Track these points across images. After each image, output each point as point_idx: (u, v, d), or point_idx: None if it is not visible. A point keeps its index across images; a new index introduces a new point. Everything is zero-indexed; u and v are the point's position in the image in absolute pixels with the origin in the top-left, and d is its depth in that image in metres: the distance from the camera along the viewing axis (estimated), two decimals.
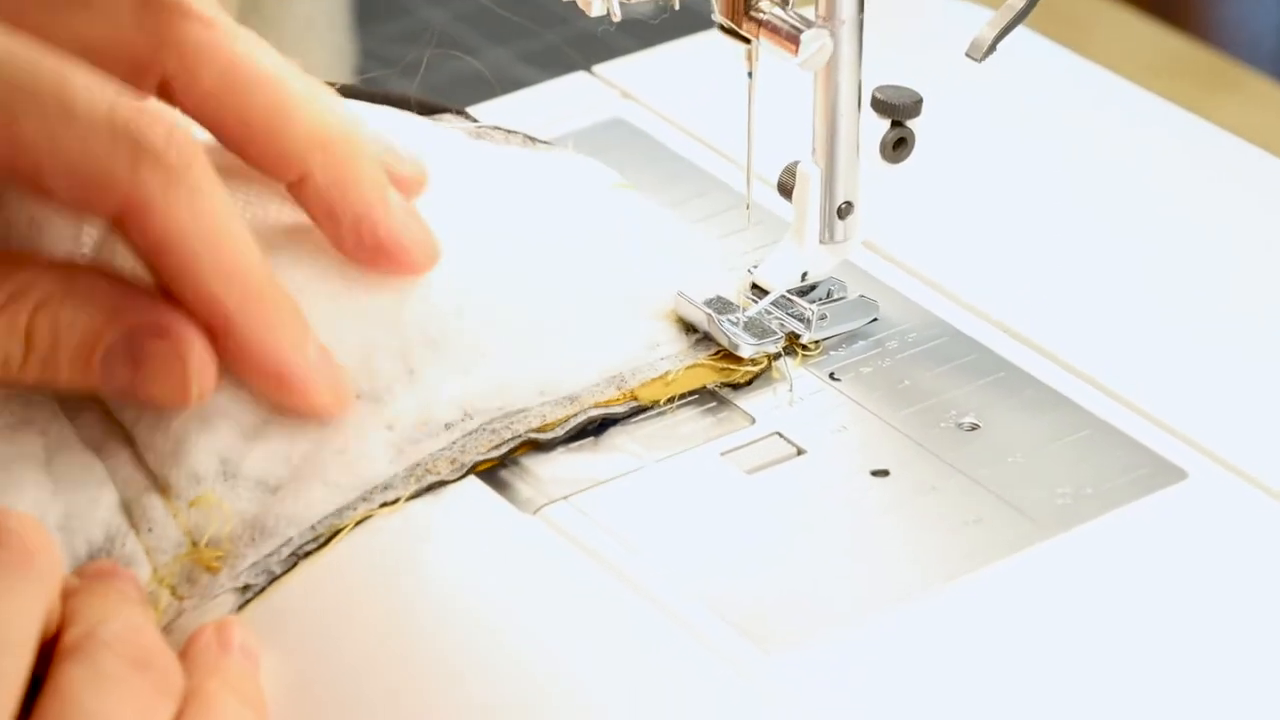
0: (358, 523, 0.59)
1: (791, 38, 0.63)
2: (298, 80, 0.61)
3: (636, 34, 0.97)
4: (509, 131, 0.69)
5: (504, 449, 0.61)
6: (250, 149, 0.60)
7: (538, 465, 0.62)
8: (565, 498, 0.61)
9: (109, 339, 0.59)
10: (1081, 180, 0.73)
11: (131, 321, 0.59)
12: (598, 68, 0.77)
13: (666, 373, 0.64)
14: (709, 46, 0.63)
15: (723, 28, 0.64)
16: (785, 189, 0.66)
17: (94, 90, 0.57)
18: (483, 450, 0.61)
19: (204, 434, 0.60)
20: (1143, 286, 0.69)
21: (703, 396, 0.64)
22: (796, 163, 0.65)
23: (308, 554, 0.59)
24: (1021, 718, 0.55)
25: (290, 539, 0.59)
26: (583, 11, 0.65)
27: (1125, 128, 0.72)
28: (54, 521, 0.55)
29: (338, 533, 0.59)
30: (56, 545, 0.52)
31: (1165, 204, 0.71)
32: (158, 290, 0.59)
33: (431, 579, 0.59)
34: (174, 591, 0.59)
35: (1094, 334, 0.66)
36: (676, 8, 0.64)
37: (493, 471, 0.61)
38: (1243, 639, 0.57)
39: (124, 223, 0.58)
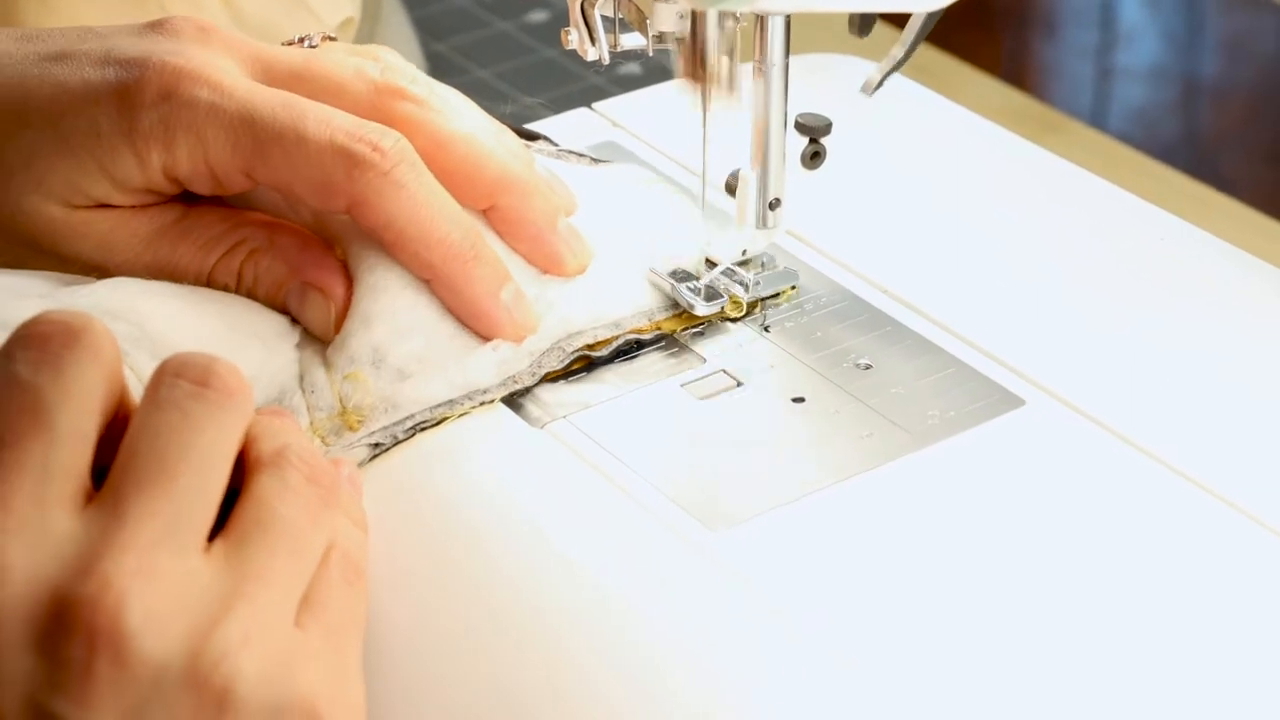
0: (460, 415, 0.60)
1: (731, 83, 0.62)
2: (488, 133, 0.62)
3: (622, 84, 0.98)
4: (579, 154, 0.70)
5: (567, 361, 0.62)
6: (452, 189, 0.61)
7: (545, 393, 0.61)
8: (565, 417, 0.60)
9: (289, 286, 0.61)
10: (948, 186, 0.73)
11: (304, 276, 0.61)
12: (595, 104, 0.77)
13: (682, 312, 0.65)
14: (676, 91, 0.62)
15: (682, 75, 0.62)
16: (730, 188, 0.65)
17: (321, 124, 0.59)
18: (553, 363, 0.61)
19: (364, 331, 0.60)
20: (993, 259, 0.68)
21: (667, 343, 0.64)
22: (738, 169, 0.65)
23: (424, 428, 0.59)
24: (893, 573, 0.55)
25: (413, 415, 0.60)
26: (583, 61, 0.64)
27: (979, 147, 0.71)
28: (250, 373, 0.54)
29: (446, 418, 0.60)
30: (250, 390, 0.51)
31: (1009, 200, 0.71)
32: (328, 250, 0.62)
33: (467, 470, 0.59)
34: (323, 440, 0.60)
35: (955, 296, 0.66)
36: (650, 54, 0.62)
37: (513, 398, 0.61)
38: (1059, 525, 0.57)
39: (352, 213, 0.60)
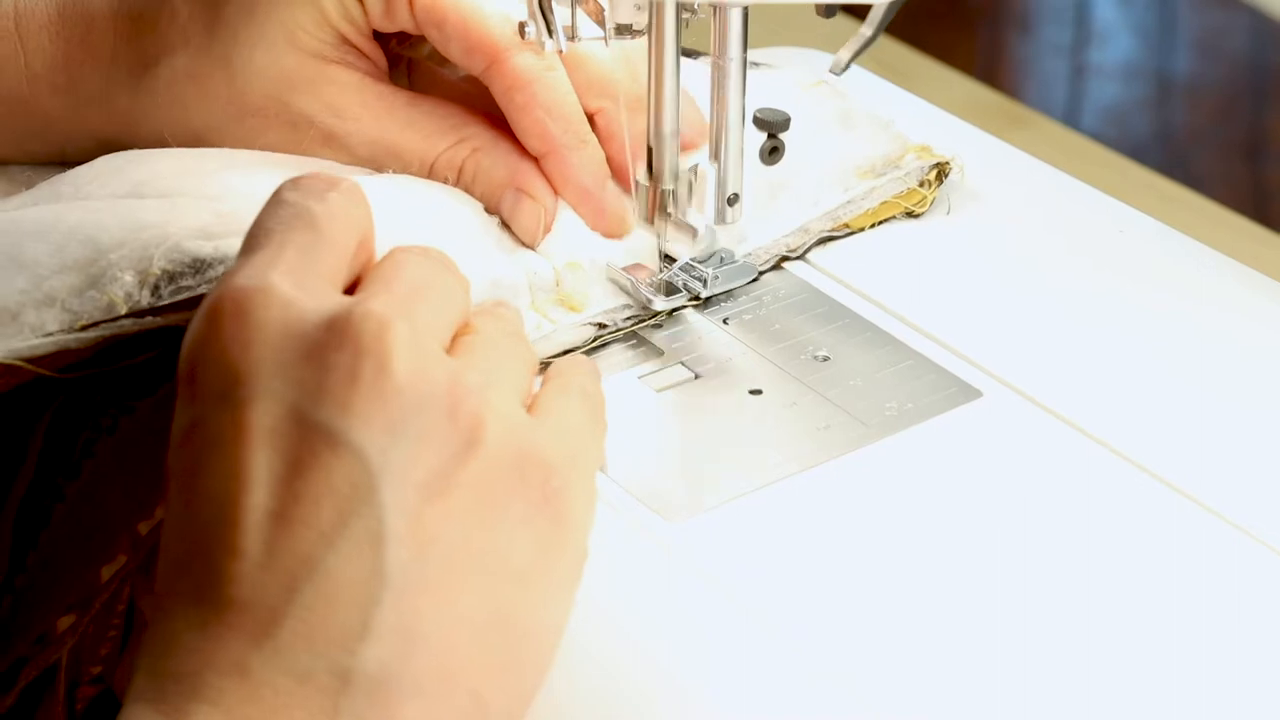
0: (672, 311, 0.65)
1: (690, 231, 0.65)
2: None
3: None
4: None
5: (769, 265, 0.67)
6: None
7: None
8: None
9: (504, 188, 0.64)
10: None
11: (519, 182, 0.64)
12: None
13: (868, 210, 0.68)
14: None
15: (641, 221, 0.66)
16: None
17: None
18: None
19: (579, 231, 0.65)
20: (951, 252, 0.68)
21: (626, 335, 0.64)
22: (697, 164, 0.65)
23: (640, 321, 0.64)
24: (851, 563, 0.55)
25: (630, 306, 0.65)
26: None
27: (939, 141, 0.72)
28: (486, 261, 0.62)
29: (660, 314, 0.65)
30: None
31: (968, 193, 0.71)
32: (538, 162, 0.65)
33: None
34: (545, 315, 0.63)
35: (913, 288, 0.66)
36: (608, 45, 0.62)
37: None
38: (1016, 515, 0.57)
39: (492, 70, 0.63)
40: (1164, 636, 0.53)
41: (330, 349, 0.48)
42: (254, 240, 0.51)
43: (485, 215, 0.65)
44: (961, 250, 0.68)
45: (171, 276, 0.57)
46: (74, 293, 0.57)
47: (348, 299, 0.50)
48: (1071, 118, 1.96)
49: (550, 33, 0.61)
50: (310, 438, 0.47)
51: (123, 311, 0.56)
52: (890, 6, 0.62)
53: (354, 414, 0.47)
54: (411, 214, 0.63)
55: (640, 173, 0.64)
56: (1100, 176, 0.79)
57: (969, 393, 0.61)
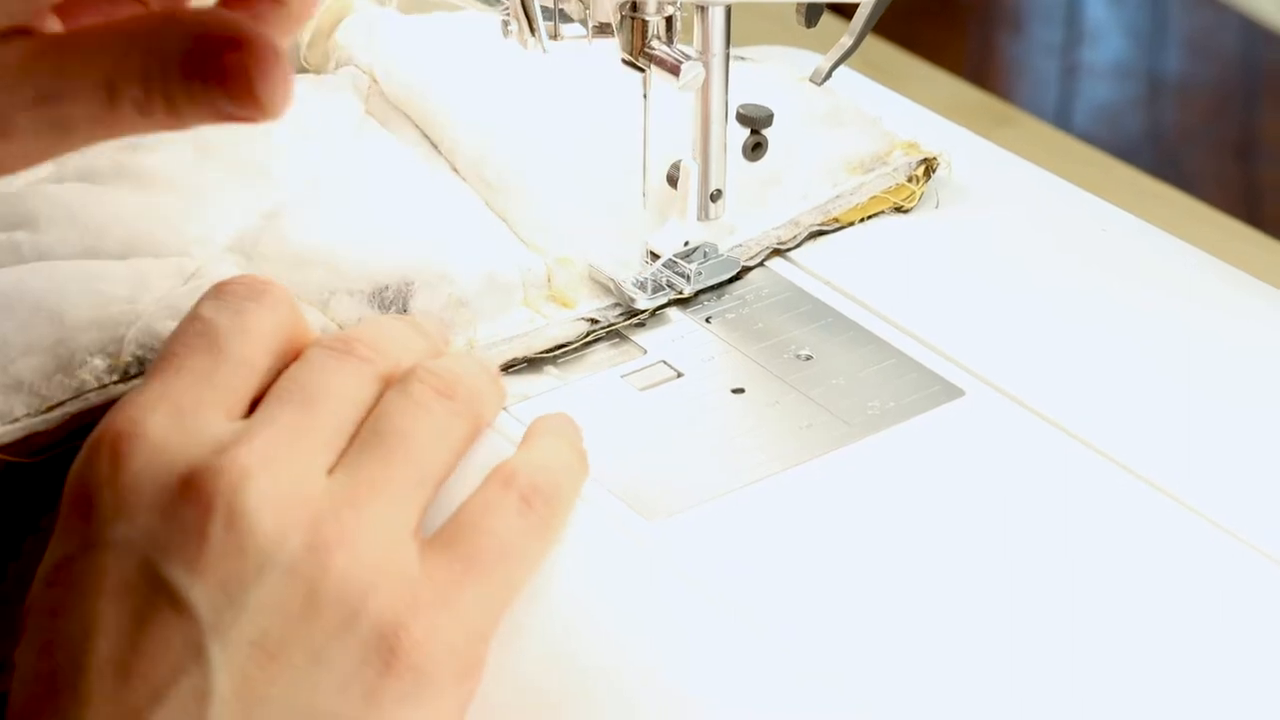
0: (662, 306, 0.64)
1: (674, 68, 0.62)
2: None
3: None
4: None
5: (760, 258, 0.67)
6: None
7: None
8: (504, 408, 0.60)
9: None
10: None
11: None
12: None
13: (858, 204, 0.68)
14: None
15: (624, 61, 0.63)
16: (672, 180, 0.65)
17: None
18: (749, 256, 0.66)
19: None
20: (934, 250, 0.68)
21: (609, 334, 0.63)
22: (680, 161, 0.64)
23: (637, 314, 0.64)
24: (833, 563, 0.55)
25: (620, 304, 0.64)
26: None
27: (923, 140, 0.71)
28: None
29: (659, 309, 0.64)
30: (394, 355, 0.54)
31: (953, 191, 0.71)
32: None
33: None
34: (537, 310, 0.63)
35: (896, 287, 0.66)
36: (590, 44, 0.62)
37: None
38: (998, 514, 0.57)
39: None
40: (1147, 637, 0.53)
41: (184, 503, 0.48)
42: (157, 364, 0.52)
43: (485, 210, 0.64)
44: (944, 249, 0.68)
45: (142, 361, 0.57)
46: (43, 376, 0.56)
47: (224, 437, 0.50)
48: (1062, 117, 1.96)
49: (533, 31, 0.61)
50: (156, 592, 0.48)
51: (92, 391, 0.56)
52: (872, 14, 0.62)
53: (196, 572, 0.48)
54: (408, 210, 0.63)
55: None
56: (1086, 175, 0.78)
57: (952, 391, 0.61)
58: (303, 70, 0.73)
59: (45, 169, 0.63)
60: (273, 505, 0.49)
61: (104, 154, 0.64)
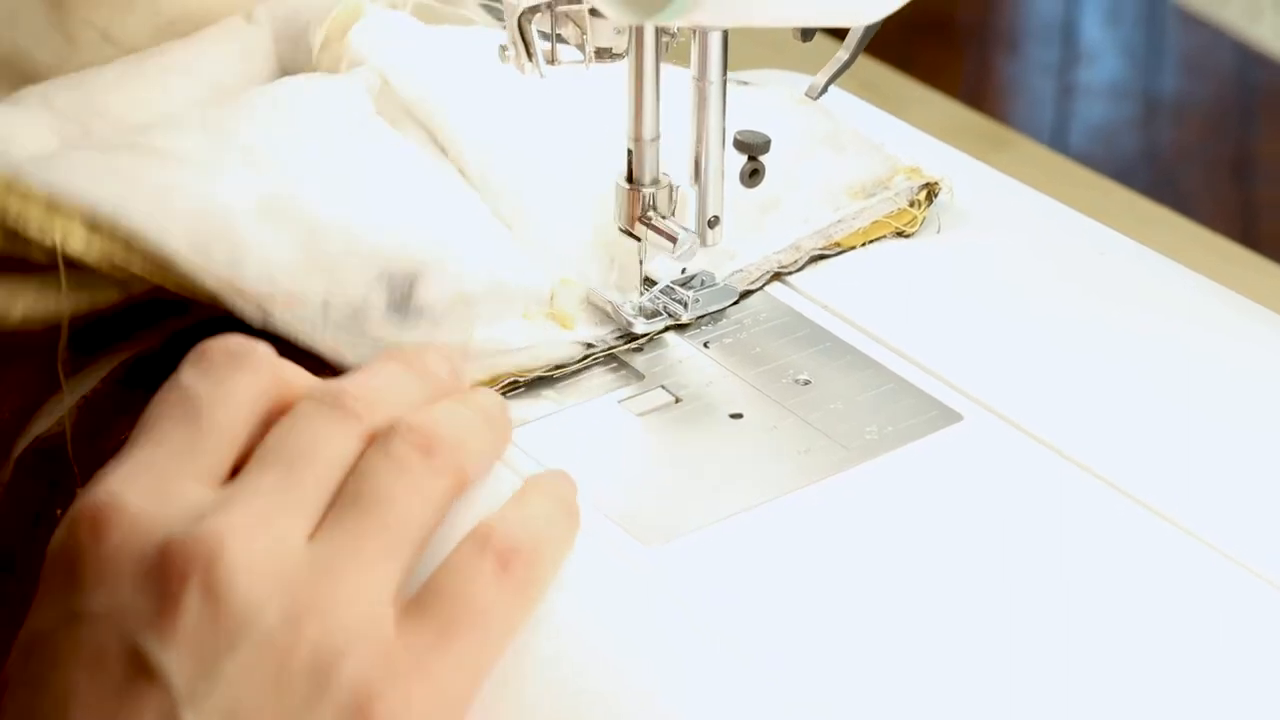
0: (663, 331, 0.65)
1: (670, 237, 0.63)
2: None
3: None
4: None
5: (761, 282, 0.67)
6: None
7: None
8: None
9: None
10: None
11: None
12: None
13: (860, 229, 0.68)
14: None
15: (621, 230, 0.64)
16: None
17: None
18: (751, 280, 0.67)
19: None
20: (933, 275, 0.68)
21: (606, 359, 0.63)
22: (678, 187, 0.64)
23: (634, 339, 0.64)
24: (830, 589, 0.55)
25: (620, 329, 0.64)
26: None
27: (920, 163, 0.72)
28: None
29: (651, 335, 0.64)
30: (378, 407, 0.53)
31: (951, 215, 0.71)
32: None
33: None
34: (535, 325, 0.63)
35: (894, 312, 0.66)
36: (589, 68, 0.62)
37: None
38: (997, 540, 0.57)
39: None
40: (1148, 663, 0.53)
41: (161, 574, 0.48)
42: (137, 434, 0.51)
43: (492, 216, 0.64)
44: (942, 274, 0.68)
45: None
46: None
47: (203, 506, 0.49)
48: (1059, 137, 1.96)
49: (530, 56, 0.61)
50: (132, 664, 0.48)
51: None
52: (867, 30, 0.62)
53: (171, 643, 0.48)
54: (422, 203, 0.63)
55: (620, 179, 0.64)
56: (1085, 198, 0.79)
57: (950, 416, 0.61)
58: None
59: (55, 141, 0.64)
60: (248, 575, 0.48)
61: (117, 134, 0.64)
